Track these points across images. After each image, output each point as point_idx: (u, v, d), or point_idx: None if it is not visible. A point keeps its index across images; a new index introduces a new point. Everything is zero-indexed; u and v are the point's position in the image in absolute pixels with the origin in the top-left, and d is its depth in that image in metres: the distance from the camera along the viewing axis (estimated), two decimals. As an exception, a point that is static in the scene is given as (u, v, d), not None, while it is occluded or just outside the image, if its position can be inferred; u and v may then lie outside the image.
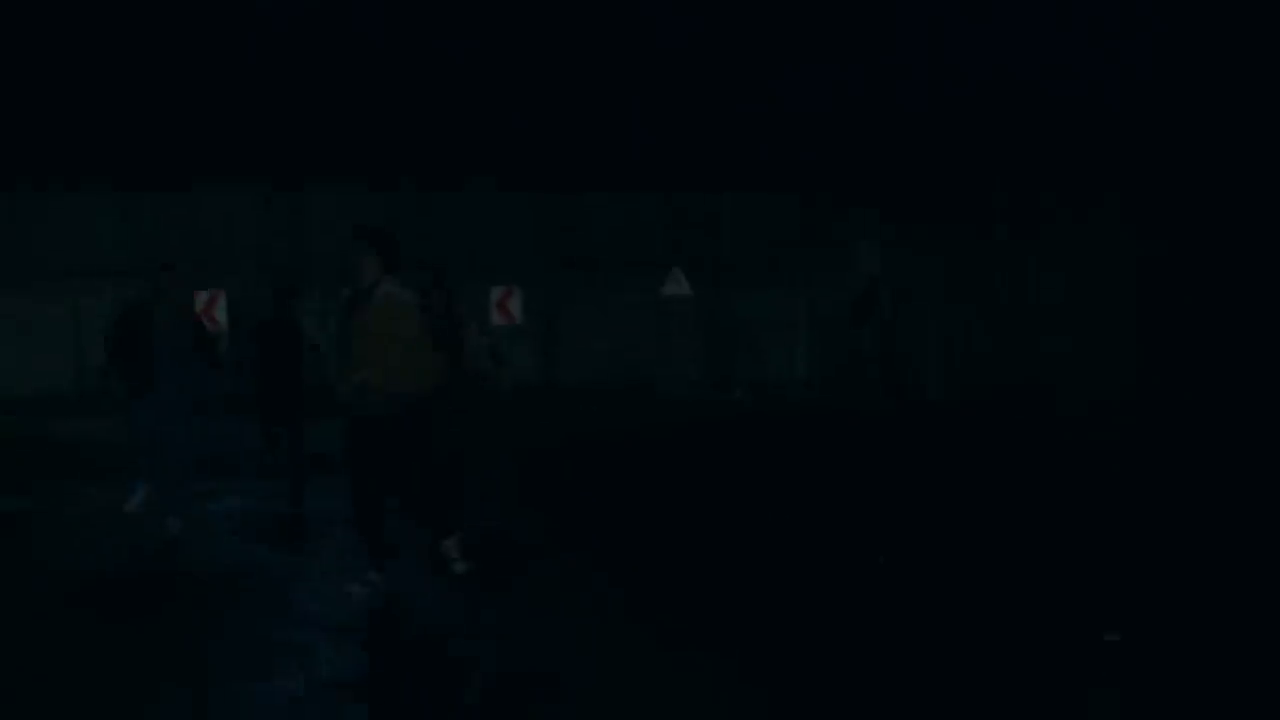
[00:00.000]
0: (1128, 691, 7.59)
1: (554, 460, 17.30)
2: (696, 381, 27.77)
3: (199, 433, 13.33)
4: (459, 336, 13.01)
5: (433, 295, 12.85)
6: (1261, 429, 18.38)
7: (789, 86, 27.58)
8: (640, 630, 9.08)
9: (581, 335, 27.30)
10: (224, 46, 27.03)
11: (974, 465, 16.73)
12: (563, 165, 27.91)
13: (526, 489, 14.75)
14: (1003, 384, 24.31)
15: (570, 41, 27.92)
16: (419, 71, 27.46)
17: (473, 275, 23.14)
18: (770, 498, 14.35)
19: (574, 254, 27.72)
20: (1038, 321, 24.51)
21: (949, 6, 26.06)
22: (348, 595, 10.28)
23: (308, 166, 26.70)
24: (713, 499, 14.37)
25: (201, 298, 24.58)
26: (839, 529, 12.52)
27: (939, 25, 26.60)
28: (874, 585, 10.18)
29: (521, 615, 9.67)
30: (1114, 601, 9.48)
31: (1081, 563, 10.83)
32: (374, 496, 10.55)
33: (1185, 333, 21.49)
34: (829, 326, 28.50)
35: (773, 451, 18.50)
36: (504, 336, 14.41)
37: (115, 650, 8.73)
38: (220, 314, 24.82)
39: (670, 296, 26.88)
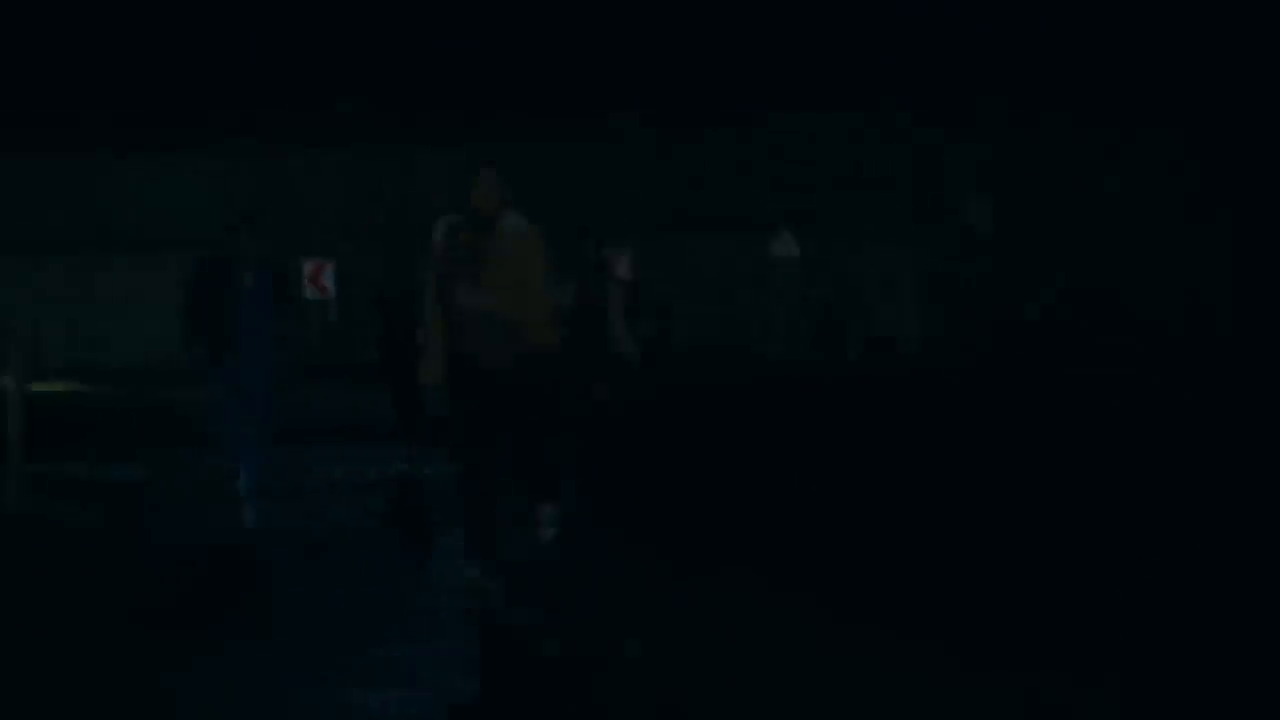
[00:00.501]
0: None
1: (665, 422, 17.09)
2: (804, 340, 27.57)
3: (282, 398, 12.29)
4: (604, 298, 12.35)
5: (584, 248, 12.26)
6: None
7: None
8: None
9: (690, 294, 27.11)
10: (320, 13, 26.99)
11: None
12: (678, 114, 27.65)
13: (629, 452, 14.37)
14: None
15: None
16: (520, 27, 27.28)
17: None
18: (884, 462, 14.13)
19: (684, 211, 27.56)
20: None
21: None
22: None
23: (413, 131, 26.63)
24: (820, 462, 14.18)
25: (308, 266, 24.61)
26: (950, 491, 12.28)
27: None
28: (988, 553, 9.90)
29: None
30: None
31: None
32: (489, 468, 9.08)
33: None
34: (940, 283, 28.21)
35: (884, 414, 18.27)
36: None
37: (223, 622, 8.59)
38: (329, 281, 24.88)
39: (778, 257, 26.65)
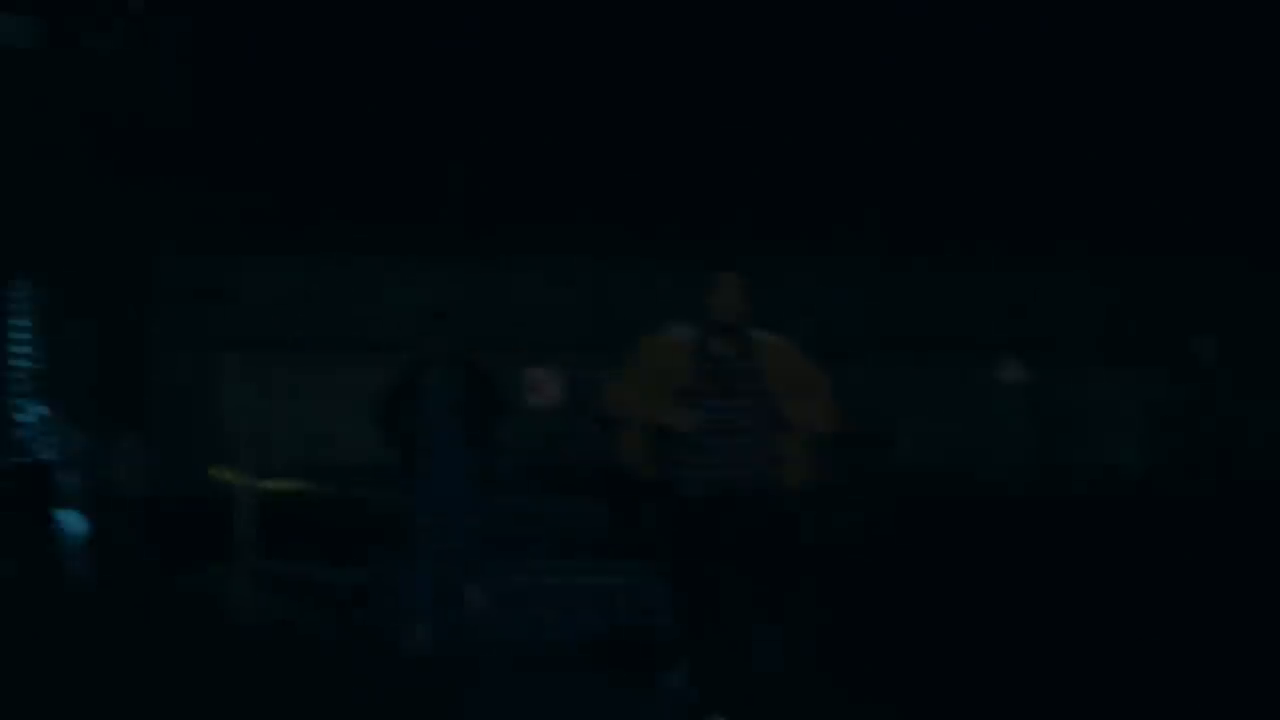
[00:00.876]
0: None
1: (886, 550, 16.91)
2: (1027, 468, 27.10)
3: (486, 505, 11.64)
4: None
5: None
6: None
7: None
8: None
9: (907, 417, 26.80)
10: (562, 128, 27.35)
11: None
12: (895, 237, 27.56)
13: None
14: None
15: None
16: (748, 143, 27.41)
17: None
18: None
19: (901, 332, 27.35)
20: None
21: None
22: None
23: (646, 245, 26.75)
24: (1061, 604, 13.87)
25: (537, 374, 24.82)
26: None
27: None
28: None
29: None
30: None
31: None
32: (713, 597, 8.03)
33: None
34: (1166, 412, 27.63)
35: (1117, 548, 17.89)
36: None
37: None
38: (554, 388, 25.05)
39: (1005, 381, 26.30)
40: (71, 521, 12.96)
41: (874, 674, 10.61)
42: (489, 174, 27.10)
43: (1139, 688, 9.80)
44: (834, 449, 9.09)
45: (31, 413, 13.75)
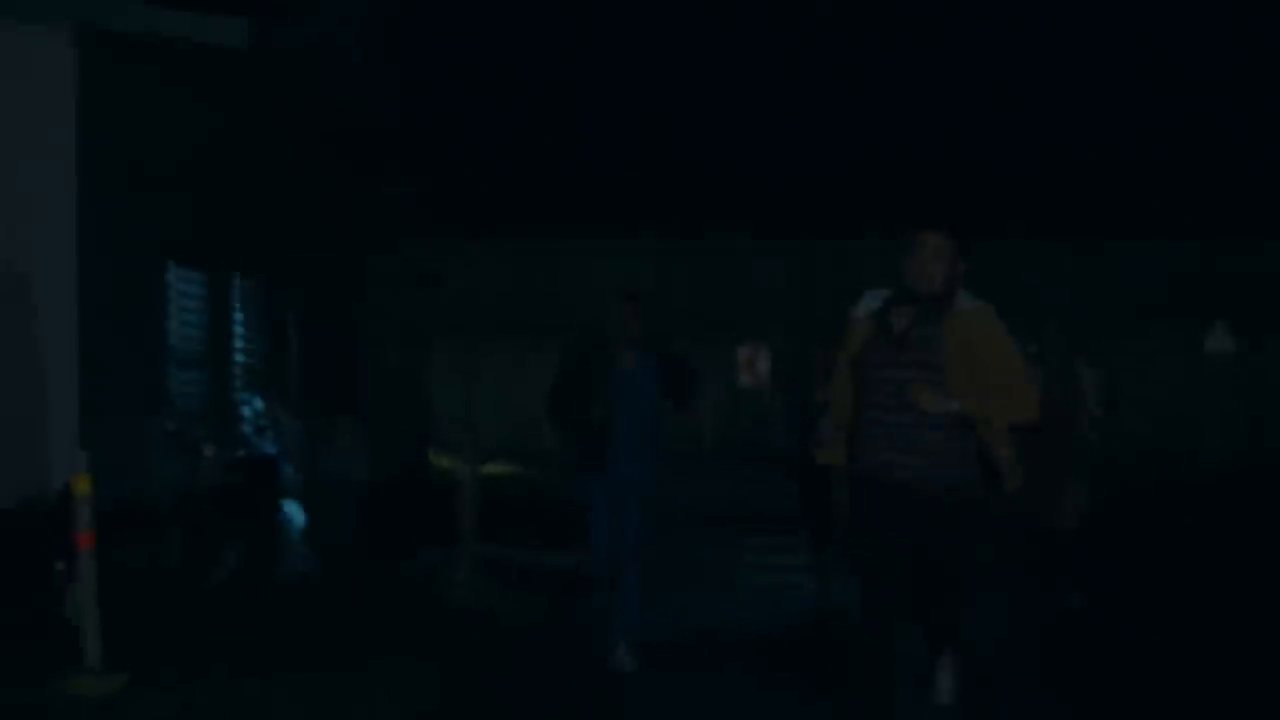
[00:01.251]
0: None
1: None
2: (1240, 443, 26.49)
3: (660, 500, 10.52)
4: (1072, 402, 11.09)
5: (1047, 338, 11.17)
6: None
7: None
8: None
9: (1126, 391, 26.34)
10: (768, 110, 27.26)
11: None
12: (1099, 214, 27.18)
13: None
14: None
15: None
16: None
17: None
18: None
19: (1107, 304, 26.91)
20: None
21: None
22: None
23: (844, 225, 26.65)
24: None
25: (743, 351, 24.75)
26: None
27: None
28: None
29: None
30: None
31: None
32: (896, 613, 7.27)
33: None
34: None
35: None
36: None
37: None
38: (763, 367, 25.00)
39: (1212, 351, 25.72)
40: (293, 512, 13.20)
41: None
42: (693, 156, 27.19)
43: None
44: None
45: (252, 405, 14.01)
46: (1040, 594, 11.75)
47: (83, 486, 8.79)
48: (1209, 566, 14.64)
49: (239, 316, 15.31)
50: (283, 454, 13.69)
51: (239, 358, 15.32)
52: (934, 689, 7.90)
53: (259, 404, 14.06)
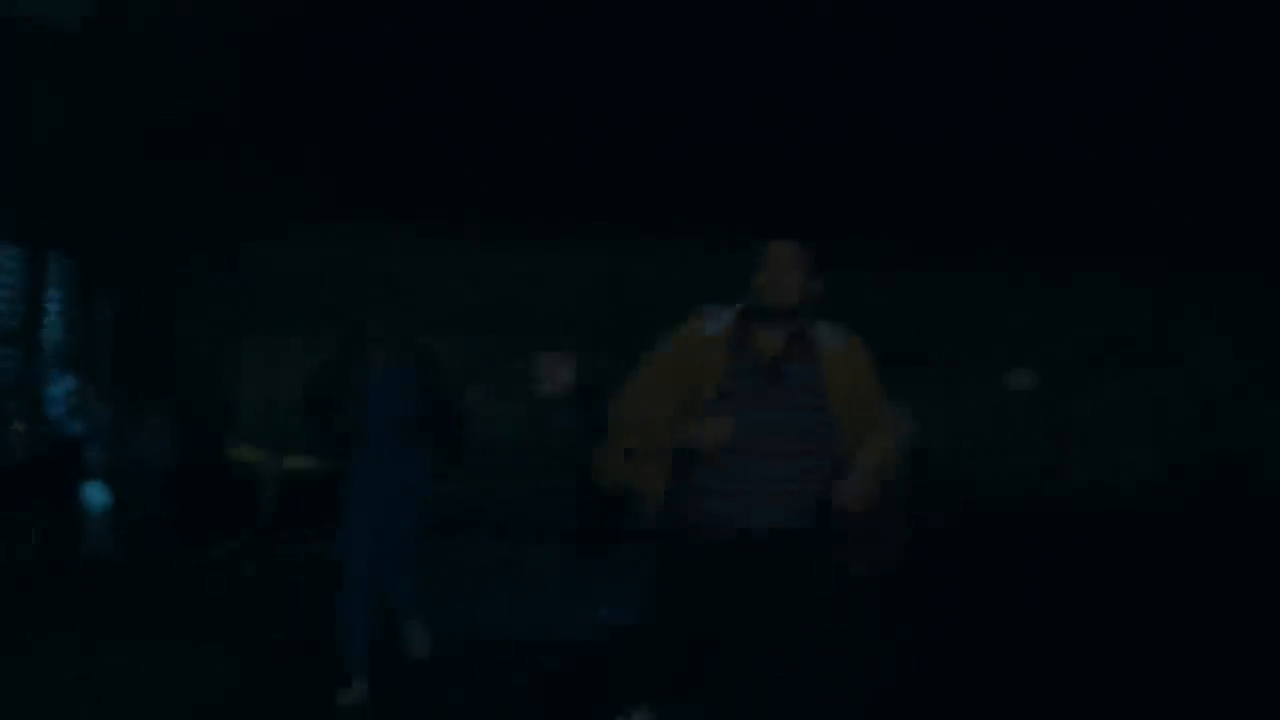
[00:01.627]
0: None
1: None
2: (1033, 478, 27.30)
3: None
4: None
5: None
6: None
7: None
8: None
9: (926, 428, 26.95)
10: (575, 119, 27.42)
11: None
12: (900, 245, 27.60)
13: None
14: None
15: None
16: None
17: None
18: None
19: (904, 345, 27.50)
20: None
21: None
22: None
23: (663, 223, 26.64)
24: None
25: (550, 358, 24.97)
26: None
27: None
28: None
29: None
30: None
31: None
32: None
33: None
34: (1177, 426, 27.83)
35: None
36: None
37: None
38: (566, 376, 25.25)
39: (1011, 389, 26.52)
40: (95, 494, 13.26)
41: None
42: (510, 152, 27.22)
43: (1137, 699, 10.01)
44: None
45: (63, 385, 14.03)
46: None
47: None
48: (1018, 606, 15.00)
49: (55, 294, 15.29)
50: (90, 435, 13.72)
51: (53, 336, 15.30)
52: None
53: (70, 383, 14.08)
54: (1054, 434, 27.49)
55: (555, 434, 14.18)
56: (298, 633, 10.68)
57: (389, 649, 9.82)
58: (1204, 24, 25.07)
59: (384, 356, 9.37)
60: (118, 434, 14.68)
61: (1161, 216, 26.69)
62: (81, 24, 12.20)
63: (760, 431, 6.22)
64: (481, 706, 9.06)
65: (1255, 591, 14.78)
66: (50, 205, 14.68)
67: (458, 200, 26.93)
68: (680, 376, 6.41)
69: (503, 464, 22.09)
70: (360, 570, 9.14)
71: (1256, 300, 26.55)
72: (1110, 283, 27.56)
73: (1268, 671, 10.78)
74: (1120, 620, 13.31)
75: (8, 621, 9.72)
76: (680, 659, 6.32)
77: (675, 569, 6.38)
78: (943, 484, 24.82)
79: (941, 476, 25.11)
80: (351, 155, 25.94)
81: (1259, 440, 26.19)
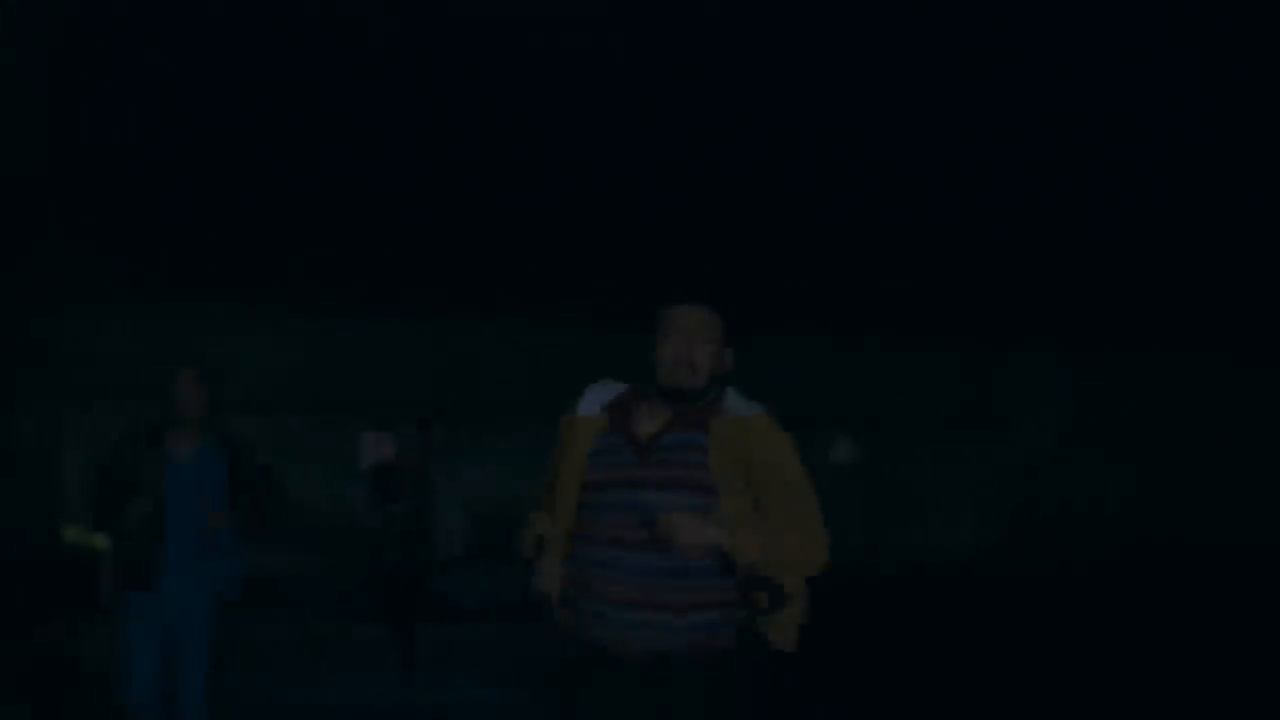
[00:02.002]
0: None
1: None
2: (855, 547, 27.50)
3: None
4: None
5: None
6: None
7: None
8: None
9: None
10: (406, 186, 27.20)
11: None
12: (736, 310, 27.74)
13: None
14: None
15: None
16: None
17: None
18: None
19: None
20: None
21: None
22: None
23: (477, 304, 26.57)
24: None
25: (371, 439, 24.61)
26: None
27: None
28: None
29: None
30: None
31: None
32: None
33: None
34: (998, 492, 28.22)
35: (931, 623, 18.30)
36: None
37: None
38: (388, 452, 24.84)
39: (835, 462, 26.70)
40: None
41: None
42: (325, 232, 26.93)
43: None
44: None
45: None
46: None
47: None
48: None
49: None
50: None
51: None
52: None
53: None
54: (876, 509, 27.71)
55: (357, 512, 13.98)
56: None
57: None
58: (1020, 133, 25.75)
59: (186, 442, 8.60)
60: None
61: (988, 292, 27.24)
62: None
63: (627, 518, 5.35)
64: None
65: (1075, 650, 15.06)
66: None
67: (275, 276, 26.61)
68: (562, 466, 5.58)
69: (310, 540, 21.76)
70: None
71: (1078, 368, 27.10)
72: (937, 350, 27.95)
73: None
74: (942, 690, 13.45)
75: None
76: None
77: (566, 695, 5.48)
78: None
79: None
80: (158, 232, 25.54)
81: (1078, 502, 26.68)
